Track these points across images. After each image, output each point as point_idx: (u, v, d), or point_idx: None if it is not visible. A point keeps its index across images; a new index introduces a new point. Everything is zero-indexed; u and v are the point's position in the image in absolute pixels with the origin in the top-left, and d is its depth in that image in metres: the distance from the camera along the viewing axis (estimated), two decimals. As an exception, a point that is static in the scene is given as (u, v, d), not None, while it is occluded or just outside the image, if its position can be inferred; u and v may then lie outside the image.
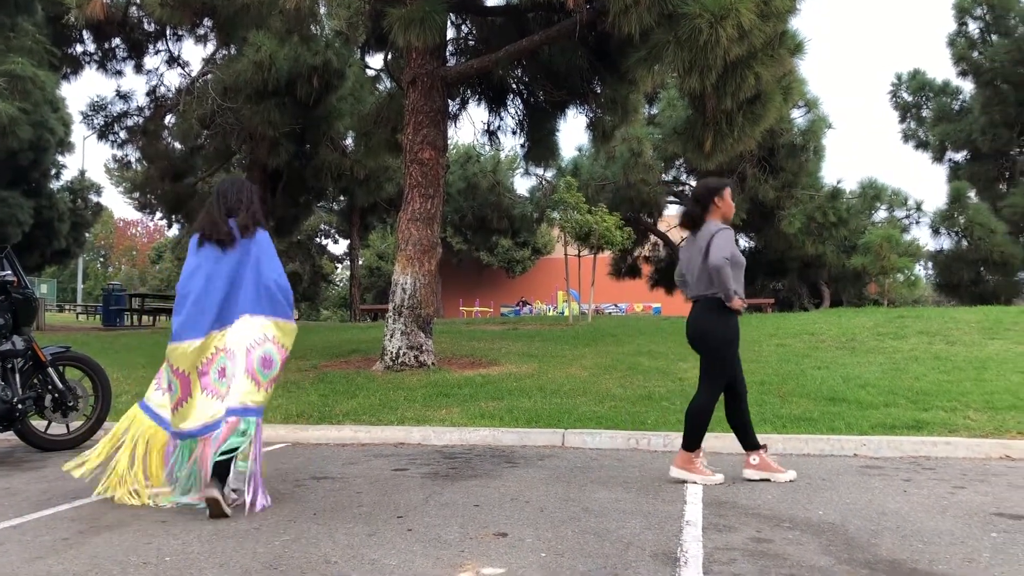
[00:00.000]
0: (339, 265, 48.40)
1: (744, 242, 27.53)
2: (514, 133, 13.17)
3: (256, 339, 4.19)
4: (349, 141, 19.99)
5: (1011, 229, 21.27)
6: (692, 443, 4.81)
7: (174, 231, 32.74)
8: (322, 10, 14.55)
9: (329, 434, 6.54)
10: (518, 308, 36.24)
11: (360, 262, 36.55)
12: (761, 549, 3.43)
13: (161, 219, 27.89)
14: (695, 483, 4.71)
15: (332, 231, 41.82)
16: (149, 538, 3.64)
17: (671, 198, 25.98)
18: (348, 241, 33.68)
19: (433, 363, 9.61)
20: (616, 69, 11.04)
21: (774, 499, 4.36)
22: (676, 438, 6.05)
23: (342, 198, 28.95)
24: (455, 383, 8.37)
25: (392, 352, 9.53)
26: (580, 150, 24.98)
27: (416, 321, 9.58)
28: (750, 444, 4.92)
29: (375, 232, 38.65)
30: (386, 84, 14.96)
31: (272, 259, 4.31)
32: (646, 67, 9.74)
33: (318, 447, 6.27)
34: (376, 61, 51.83)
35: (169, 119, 19.84)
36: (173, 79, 39.29)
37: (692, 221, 4.94)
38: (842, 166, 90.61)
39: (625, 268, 28.21)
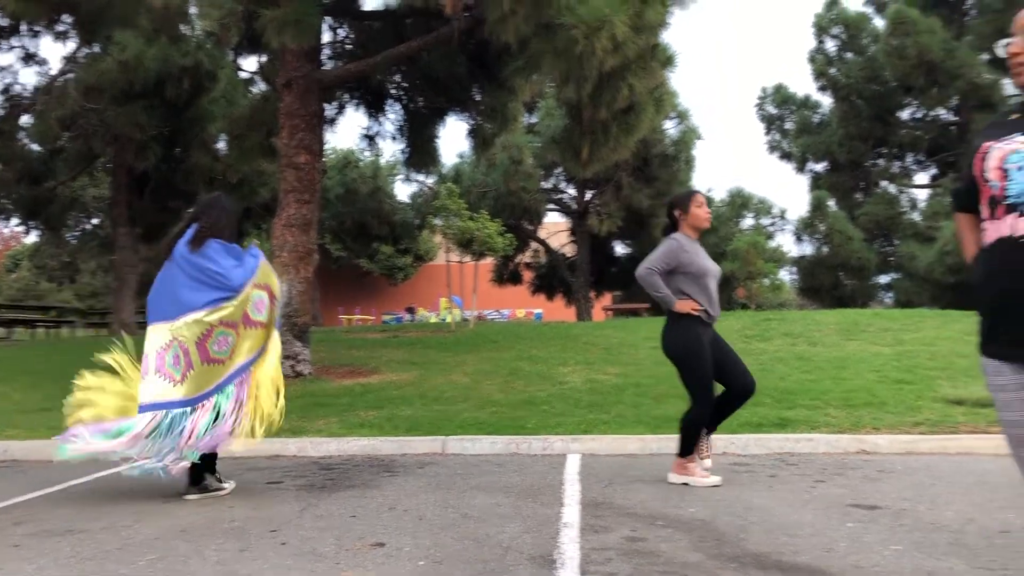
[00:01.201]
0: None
1: (620, 248, 28.22)
2: (394, 139, 13.09)
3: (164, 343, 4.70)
4: (222, 144, 19.34)
5: (867, 236, 22.56)
6: (685, 450, 4.83)
7: (32, 238, 30.89)
8: (192, 10, 14.06)
9: (200, 448, 6.30)
10: (400, 316, 35.93)
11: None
12: (636, 548, 3.51)
13: (18, 225, 26.26)
14: (688, 483, 4.79)
15: (205, 238, 40.38)
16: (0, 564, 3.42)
17: (551, 205, 26.36)
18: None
19: (310, 373, 9.41)
20: (495, 77, 11.12)
21: (648, 498, 4.47)
22: (556, 441, 6.14)
23: (215, 203, 28.00)
24: (333, 393, 8.23)
25: (268, 361, 9.27)
26: (461, 157, 25.08)
27: (292, 330, 9.35)
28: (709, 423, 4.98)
29: (249, 238, 37.56)
30: (260, 87, 14.59)
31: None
32: (524, 76, 9.88)
33: (188, 461, 6.02)
34: (250, 63, 50.36)
35: (25, 119, 18.71)
36: (30, 77, 37.05)
37: (664, 233, 5.06)
38: (712, 176, 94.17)
39: (507, 274, 28.45)
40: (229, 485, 4.90)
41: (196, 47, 15.86)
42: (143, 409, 4.57)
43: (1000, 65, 20.14)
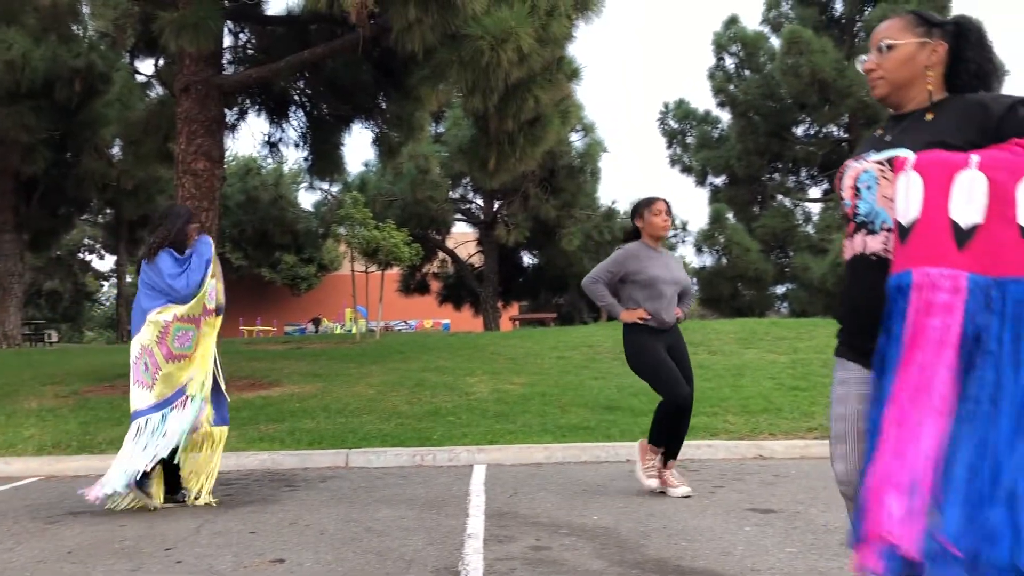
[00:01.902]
0: (105, 283, 45.00)
1: (528, 259, 28.43)
2: (297, 146, 12.84)
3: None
4: (116, 150, 18.65)
5: (763, 248, 23.33)
6: (653, 434, 4.83)
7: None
8: (85, 9, 13.55)
9: (91, 464, 6.03)
10: (304, 327, 35.25)
11: (129, 279, 34.20)
12: (540, 557, 3.52)
13: None
14: (634, 470, 4.88)
15: (97, 246, 38.85)
16: None
17: (458, 215, 26.36)
18: (115, 257, 31.39)
19: (209, 385, 9.12)
20: (402, 86, 11.05)
21: (553, 507, 4.49)
22: (461, 452, 6.11)
23: (108, 210, 27.03)
24: (232, 406, 7.93)
25: (164, 374, 8.97)
26: (367, 165, 24.81)
27: (190, 341, 9.06)
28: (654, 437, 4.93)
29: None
30: (158, 91, 14.13)
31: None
32: (431, 85, 9.85)
33: (77, 479, 5.76)
34: (147, 66, 48.86)
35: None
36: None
37: (624, 240, 5.06)
38: (616, 188, 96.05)
39: (414, 284, 28.27)
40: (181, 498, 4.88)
41: (89, 48, 15.25)
42: (132, 419, 4.76)
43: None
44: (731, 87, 23.96)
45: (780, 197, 25.01)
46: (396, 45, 8.69)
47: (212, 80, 9.61)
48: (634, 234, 4.99)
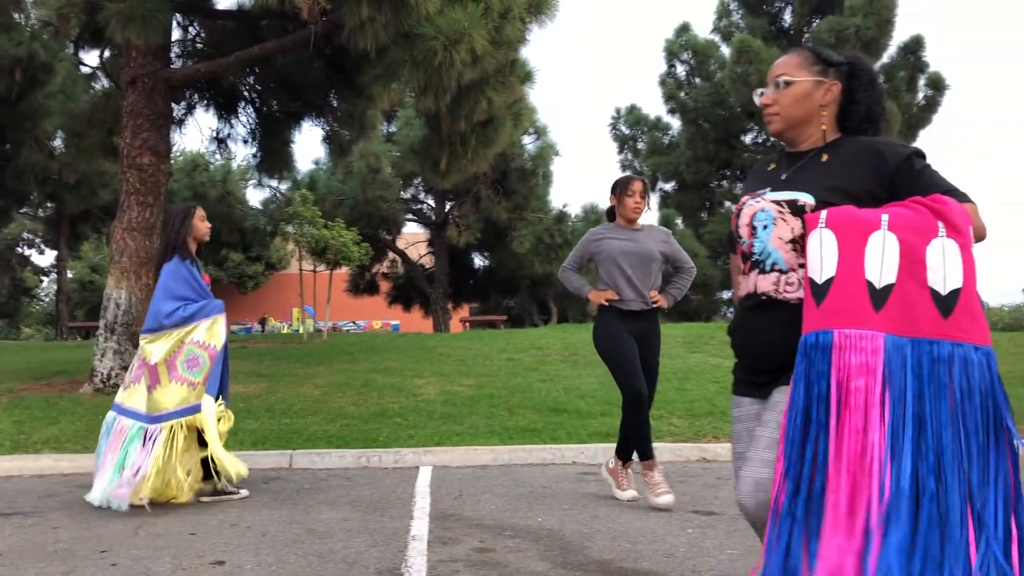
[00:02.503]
0: (45, 279, 43.83)
1: (479, 260, 28.41)
2: (246, 142, 12.66)
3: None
4: (59, 142, 18.18)
5: (711, 253, 23.65)
6: (620, 448, 4.76)
7: None
8: (27, -4, 13.17)
9: (24, 464, 5.88)
10: (250, 326, 34.76)
11: (70, 275, 33.38)
12: (483, 559, 3.51)
13: None
14: (612, 491, 4.74)
15: (37, 240, 37.82)
16: None
17: (409, 216, 26.22)
18: (56, 252, 30.59)
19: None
20: (353, 84, 10.97)
21: (498, 509, 4.49)
22: (408, 453, 6.08)
23: (49, 204, 26.32)
24: (175, 405, 7.84)
25: (103, 373, 8.76)
26: (317, 163, 24.53)
27: (131, 339, 8.86)
28: (621, 450, 4.80)
29: (88, 243, 35.41)
30: (103, 83, 13.81)
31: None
32: (383, 84, 9.79)
33: (9, 480, 5.61)
34: (92, 58, 47.75)
35: None
36: None
37: (608, 219, 4.92)
38: (569, 192, 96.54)
39: (363, 285, 28.05)
40: (244, 492, 4.91)
41: (31, 37, 14.82)
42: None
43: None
44: (682, 94, 24.22)
45: (728, 204, 25.35)
46: (348, 43, 8.62)
47: (159, 73, 9.43)
48: (611, 214, 4.87)
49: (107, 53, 11.82)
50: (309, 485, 5.28)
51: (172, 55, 10.62)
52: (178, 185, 25.84)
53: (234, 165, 27.15)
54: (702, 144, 24.12)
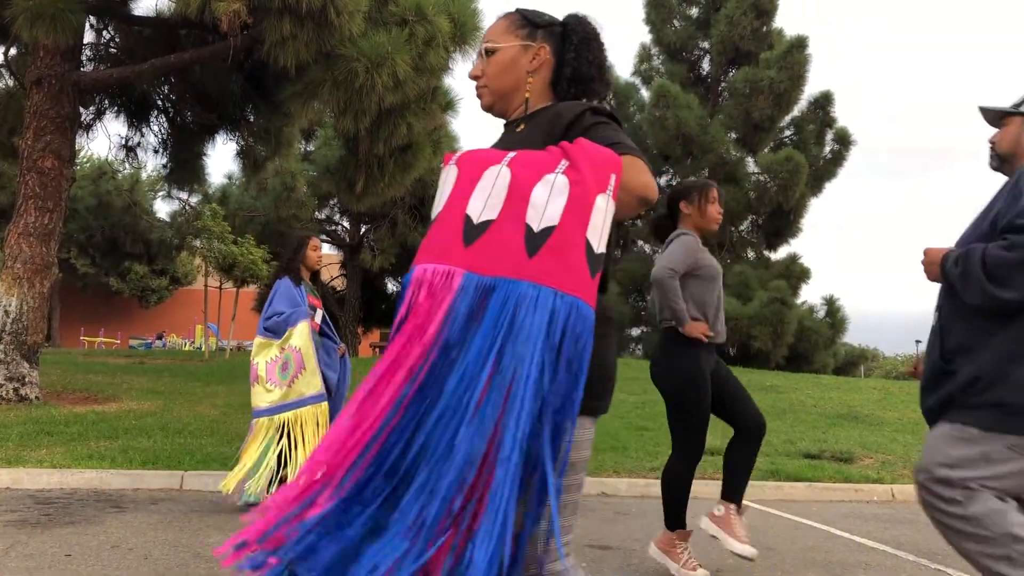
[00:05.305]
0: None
1: (392, 286, 28.17)
2: (156, 152, 12.31)
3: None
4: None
5: (622, 290, 24.05)
6: (669, 519, 3.76)
7: None
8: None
9: None
10: (150, 341, 33.61)
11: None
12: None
13: None
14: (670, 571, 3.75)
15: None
16: None
17: (323, 236, 25.86)
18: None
19: (37, 397, 8.54)
20: (272, 100, 10.81)
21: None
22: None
23: (-61, 204, 25.05)
24: (62, 420, 7.50)
25: (-14, 383, 8.33)
26: (230, 178, 23.99)
27: (20, 349, 8.47)
28: (729, 493, 3.82)
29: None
30: (6, 81, 13.28)
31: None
32: (301, 102, 9.68)
33: None
34: None
35: None
36: None
37: (658, 230, 4.06)
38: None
39: (271, 304, 27.45)
40: None
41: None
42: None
43: (745, 144, 22.42)
44: (601, 133, 24.68)
45: (640, 243, 25.87)
46: (268, 58, 8.52)
47: (68, 75, 9.12)
48: (667, 224, 4.02)
49: (12, 51, 11.37)
50: (199, 507, 5.10)
51: (83, 57, 10.29)
52: (82, 192, 24.96)
53: (143, 175, 26.38)
54: (618, 183, 24.57)
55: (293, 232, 5.87)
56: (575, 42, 1.89)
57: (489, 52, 1.92)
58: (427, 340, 1.52)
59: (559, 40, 1.91)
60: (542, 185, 1.58)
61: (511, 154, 1.65)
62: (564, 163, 1.60)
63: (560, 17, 1.97)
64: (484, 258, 1.56)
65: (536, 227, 1.55)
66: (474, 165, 1.66)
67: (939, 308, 2.48)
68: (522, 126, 1.88)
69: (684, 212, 3.88)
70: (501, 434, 1.42)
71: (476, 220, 1.60)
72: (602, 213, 1.59)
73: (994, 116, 2.57)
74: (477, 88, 1.96)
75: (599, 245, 1.58)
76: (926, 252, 2.48)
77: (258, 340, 5.22)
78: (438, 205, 1.67)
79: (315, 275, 5.66)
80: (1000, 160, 2.54)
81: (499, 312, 1.50)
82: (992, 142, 2.56)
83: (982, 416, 2.27)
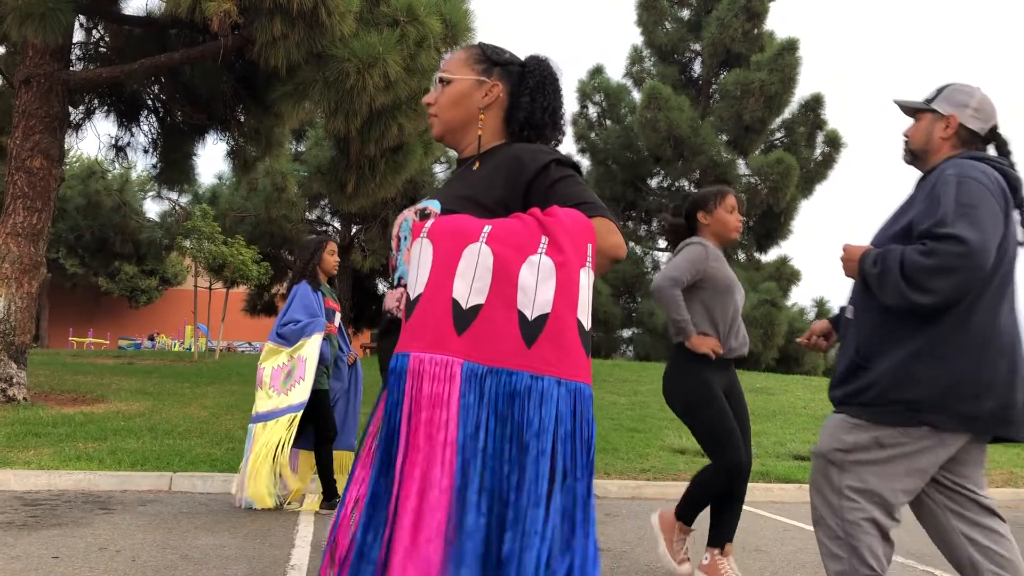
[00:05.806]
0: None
1: (383, 287, 28.11)
2: (146, 152, 12.24)
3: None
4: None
5: (613, 292, 24.06)
6: (682, 508, 3.64)
7: None
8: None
9: None
10: (139, 342, 33.46)
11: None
12: (364, 591, 3.42)
13: None
14: (660, 550, 3.67)
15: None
16: None
17: (313, 237, 25.78)
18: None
19: (25, 398, 8.49)
20: (262, 100, 10.76)
21: (384, 540, 4.40)
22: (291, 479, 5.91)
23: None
24: (50, 421, 7.46)
25: (-27, 384, 8.27)
26: (221, 178, 23.90)
27: (7, 349, 8.41)
28: (714, 536, 3.63)
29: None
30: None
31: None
32: (292, 103, 9.64)
33: None
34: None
35: None
36: None
37: (675, 237, 3.91)
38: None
39: (261, 305, 27.35)
40: None
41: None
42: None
43: (736, 146, 22.47)
44: (592, 135, 24.72)
45: (632, 244, 25.90)
46: (259, 58, 8.48)
47: (57, 75, 9.06)
48: (685, 233, 3.88)
49: (1, 50, 11.30)
50: (188, 509, 5.07)
51: (73, 57, 10.24)
52: (72, 192, 24.85)
53: (133, 175, 26.27)
54: (610, 185, 24.62)
55: (309, 236, 5.82)
56: (531, 85, 1.90)
57: (444, 81, 1.93)
58: (451, 436, 1.54)
59: (516, 80, 1.92)
60: (528, 268, 1.59)
61: (486, 227, 1.63)
62: (545, 240, 1.61)
63: (522, 57, 1.97)
64: (481, 347, 1.57)
65: (530, 315, 1.57)
66: (449, 239, 1.63)
67: (852, 302, 2.53)
68: (477, 164, 1.87)
69: (702, 222, 3.76)
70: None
71: (465, 305, 1.59)
72: (587, 289, 1.62)
73: (908, 110, 2.60)
74: (430, 116, 1.96)
75: (588, 322, 1.62)
76: (845, 248, 2.49)
77: (269, 345, 5.21)
78: (416, 284, 1.63)
79: (331, 278, 5.61)
80: (912, 155, 2.56)
81: (507, 405, 1.55)
82: (905, 136, 2.59)
83: (885, 411, 2.31)
